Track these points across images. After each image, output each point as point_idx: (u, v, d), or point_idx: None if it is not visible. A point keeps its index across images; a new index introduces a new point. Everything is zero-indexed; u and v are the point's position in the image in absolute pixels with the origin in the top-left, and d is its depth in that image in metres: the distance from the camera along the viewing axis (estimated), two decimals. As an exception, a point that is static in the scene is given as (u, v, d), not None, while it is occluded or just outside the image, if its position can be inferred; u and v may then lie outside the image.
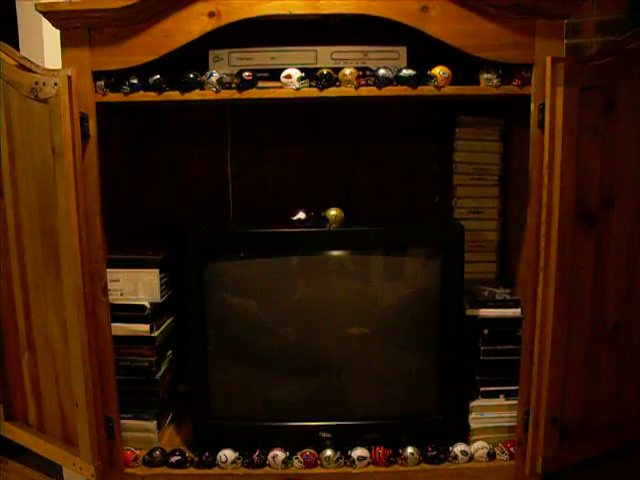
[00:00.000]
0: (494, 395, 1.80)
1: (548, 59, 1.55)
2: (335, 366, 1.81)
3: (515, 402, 1.74)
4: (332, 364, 1.81)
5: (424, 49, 1.58)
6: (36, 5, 1.54)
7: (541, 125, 1.58)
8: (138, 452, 1.77)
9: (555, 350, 1.62)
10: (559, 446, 1.67)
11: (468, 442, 1.79)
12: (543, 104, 1.57)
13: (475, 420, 1.80)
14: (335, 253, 1.79)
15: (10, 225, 1.71)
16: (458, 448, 1.76)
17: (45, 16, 1.55)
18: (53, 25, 1.56)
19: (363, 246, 1.77)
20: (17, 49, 1.72)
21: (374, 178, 2.07)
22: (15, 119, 1.64)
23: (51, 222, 1.60)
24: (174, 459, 1.75)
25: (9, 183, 1.68)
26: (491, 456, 1.76)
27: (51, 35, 1.66)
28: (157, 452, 1.77)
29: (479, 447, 1.76)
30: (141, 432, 1.81)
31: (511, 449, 1.75)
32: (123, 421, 1.74)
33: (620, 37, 1.65)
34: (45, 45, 1.95)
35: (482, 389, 1.80)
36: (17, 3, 2.05)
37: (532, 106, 1.59)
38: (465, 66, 1.62)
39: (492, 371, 1.79)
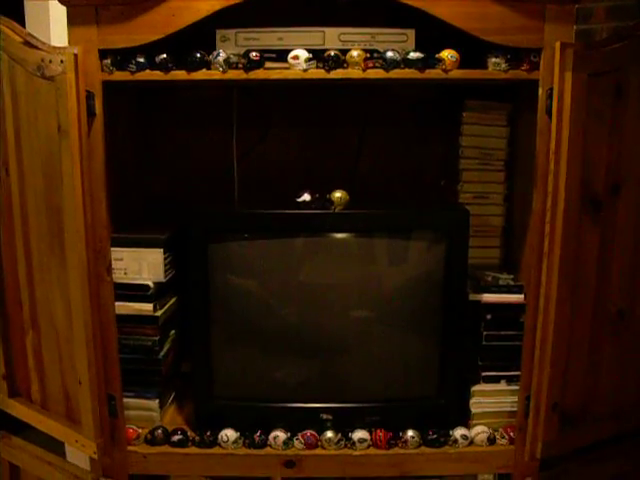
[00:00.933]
0: (496, 380, 1.80)
1: (557, 44, 1.53)
2: (337, 348, 1.82)
3: (516, 387, 1.74)
4: (334, 346, 1.82)
5: (433, 32, 1.57)
6: (43, -18, 1.54)
7: (549, 110, 1.57)
8: (140, 430, 1.78)
9: (557, 336, 1.62)
10: (559, 432, 1.68)
11: (469, 426, 1.80)
12: (551, 89, 1.56)
13: (476, 404, 1.81)
14: (339, 235, 1.79)
15: (15, 203, 1.71)
16: (458, 432, 1.76)
17: (52, -7, 1.54)
18: (60, 2, 1.55)
19: (368, 229, 1.77)
20: (23, 26, 1.71)
21: (380, 161, 2.06)
22: (21, 96, 1.63)
23: (56, 200, 1.60)
24: (176, 438, 1.76)
25: (15, 161, 1.68)
26: (491, 440, 1.76)
27: (57, 12, 1.65)
28: (159, 431, 1.78)
29: (479, 431, 1.77)
30: (143, 411, 1.82)
31: (511, 434, 1.75)
32: (126, 399, 1.75)
33: (631, 23, 1.64)
34: (51, 23, 1.95)
35: (484, 374, 1.80)
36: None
37: (540, 91, 1.58)
38: (474, 50, 1.61)
39: (494, 356, 1.79)
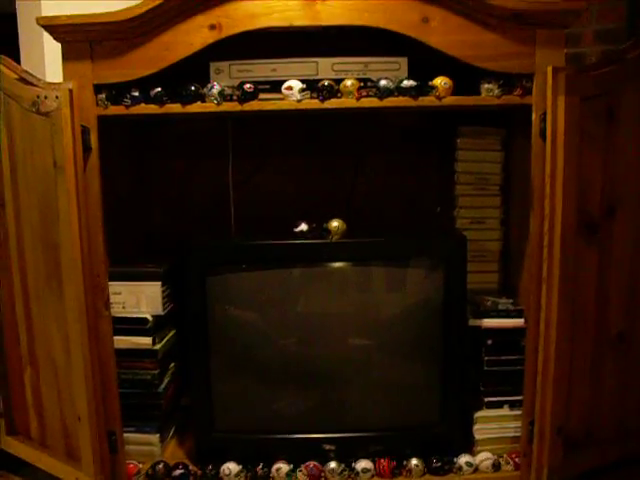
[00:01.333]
0: (498, 405, 1.79)
1: (549, 69, 1.55)
2: (338, 377, 1.81)
3: (520, 412, 1.73)
4: (335, 376, 1.80)
5: (425, 59, 1.58)
6: (37, 19, 1.55)
7: (543, 134, 1.58)
8: (141, 466, 1.77)
9: (559, 360, 1.61)
10: (564, 456, 1.67)
11: (473, 453, 1.78)
12: (544, 113, 1.57)
13: (480, 431, 1.80)
14: (337, 265, 1.79)
15: (12, 238, 1.71)
16: (463, 459, 1.75)
17: (47, 30, 1.55)
18: (54, 39, 1.57)
19: (365, 257, 1.77)
20: (18, 63, 1.72)
21: (376, 189, 2.07)
22: (16, 132, 1.64)
23: (53, 235, 1.60)
24: (177, 472, 1.74)
25: (10, 196, 1.68)
26: (496, 467, 1.75)
27: (52, 49, 1.66)
28: (160, 465, 1.76)
29: (484, 458, 1.75)
30: (144, 445, 1.80)
31: (516, 460, 1.74)
32: (126, 434, 1.73)
33: (619, 46, 1.66)
34: (46, 58, 1.96)
35: (486, 399, 1.79)
36: (18, 17, 2.06)
37: (533, 116, 1.60)
38: (466, 76, 1.62)
39: (496, 381, 1.78)
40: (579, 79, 1.56)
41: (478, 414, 1.80)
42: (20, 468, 1.89)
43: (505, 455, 1.76)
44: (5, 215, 1.71)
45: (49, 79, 1.72)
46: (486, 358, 1.78)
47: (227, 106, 1.61)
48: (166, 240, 1.94)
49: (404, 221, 2.07)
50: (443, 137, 1.96)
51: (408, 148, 2.07)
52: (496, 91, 1.62)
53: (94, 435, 1.63)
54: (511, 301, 1.83)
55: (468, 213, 1.93)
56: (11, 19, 2.07)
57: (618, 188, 1.66)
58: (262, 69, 1.65)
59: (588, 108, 1.58)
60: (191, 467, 1.76)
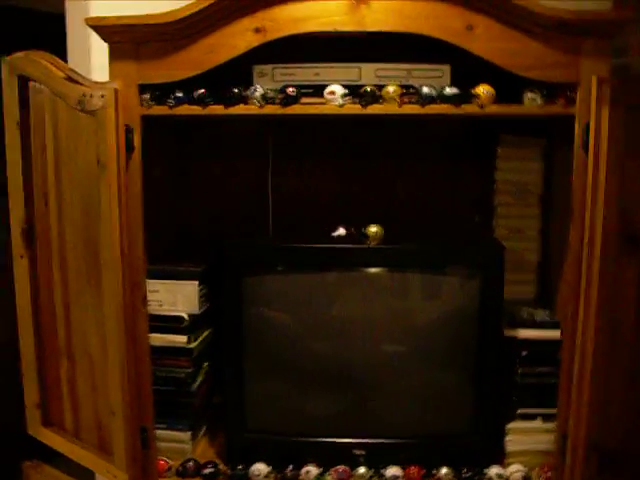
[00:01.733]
0: (531, 418, 1.77)
1: (594, 78, 1.53)
2: (370, 383, 1.81)
3: (553, 425, 1.71)
4: (367, 381, 1.80)
5: (468, 67, 1.58)
6: (86, 19, 1.57)
7: (585, 146, 1.56)
8: (172, 462, 1.78)
9: (595, 373, 1.59)
10: (598, 473, 1.64)
11: (503, 465, 1.77)
12: (587, 124, 1.55)
13: (511, 442, 1.78)
14: (374, 270, 1.79)
15: (54, 234, 1.73)
16: (493, 470, 1.73)
17: (95, 30, 1.58)
18: (102, 39, 1.60)
19: (402, 264, 1.76)
20: (65, 61, 1.75)
21: (415, 195, 2.07)
22: (62, 130, 1.67)
23: (94, 232, 1.62)
24: (207, 471, 1.76)
25: (54, 193, 1.71)
26: (527, 480, 1.74)
27: (98, 49, 1.69)
28: (190, 463, 1.77)
29: (515, 470, 1.74)
30: (175, 443, 1.82)
31: (548, 473, 1.72)
32: (158, 431, 1.75)
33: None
34: (92, 59, 1.99)
35: (519, 411, 1.77)
36: (67, 17, 2.09)
37: (576, 126, 1.58)
38: (509, 84, 1.61)
39: (530, 393, 1.76)
40: (624, 89, 1.54)
41: (510, 425, 1.78)
42: (53, 458, 1.93)
43: (537, 468, 1.74)
44: (48, 211, 1.73)
45: (94, 78, 1.75)
46: (520, 369, 1.76)
47: (269, 109, 1.62)
48: (205, 241, 1.96)
49: (442, 229, 2.05)
50: (483, 146, 1.95)
51: (448, 156, 2.06)
52: (539, 101, 1.60)
53: (127, 430, 1.64)
54: (548, 312, 1.81)
55: (507, 223, 1.92)
56: (59, 19, 2.11)
57: (662, 201, 1.63)
58: (305, 73, 1.66)
59: (633, 119, 1.55)
60: (221, 466, 1.78)
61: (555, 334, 1.74)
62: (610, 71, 1.60)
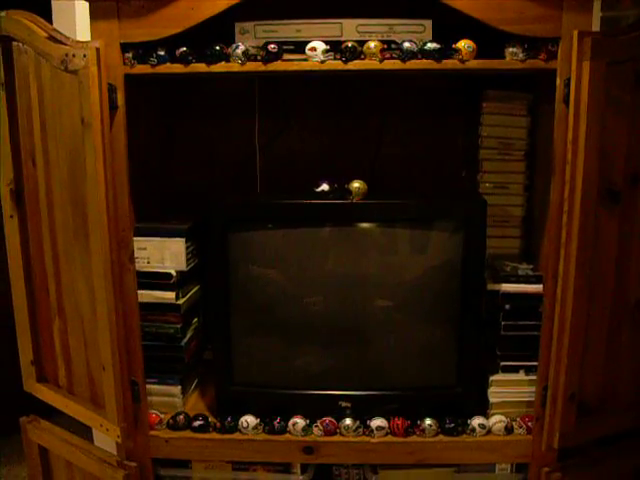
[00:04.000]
0: (514, 370, 1.80)
1: (575, 33, 1.51)
2: (356, 337, 1.83)
3: (535, 377, 1.74)
4: (353, 335, 1.83)
5: (450, 22, 1.57)
6: (66, -22, 1.57)
7: (566, 100, 1.56)
8: (163, 416, 1.83)
9: (575, 327, 1.61)
10: (577, 422, 1.67)
11: (487, 415, 1.80)
12: (569, 79, 1.55)
13: (494, 394, 1.81)
14: (358, 225, 1.80)
15: (42, 194, 1.75)
16: (476, 421, 1.77)
17: (75, -12, 1.58)
18: (83, -3, 1.60)
19: (385, 219, 1.78)
20: (51, 23, 1.75)
21: (400, 151, 2.07)
22: (46, 90, 1.67)
23: (80, 190, 1.64)
24: (197, 423, 1.80)
25: (41, 152, 1.72)
26: (508, 430, 1.77)
27: (83, 9, 1.69)
28: (181, 416, 1.82)
29: (497, 421, 1.77)
30: (166, 397, 1.87)
31: (529, 424, 1.76)
32: (149, 386, 1.80)
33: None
34: (77, 19, 1.99)
35: (502, 364, 1.80)
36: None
37: (558, 80, 1.57)
38: (491, 39, 1.60)
39: (512, 346, 1.79)
40: (606, 43, 1.52)
41: (493, 377, 1.81)
42: (49, 414, 1.97)
43: (518, 419, 1.78)
44: (36, 171, 1.75)
45: (80, 38, 1.75)
46: (503, 323, 1.78)
47: (251, 66, 1.62)
48: (192, 199, 1.97)
49: (428, 184, 2.07)
50: (469, 101, 1.95)
51: (433, 111, 2.06)
52: (520, 55, 1.60)
53: (117, 384, 1.68)
54: (531, 267, 1.82)
55: (492, 178, 1.92)
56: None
57: (643, 156, 1.64)
58: (286, 30, 1.65)
59: (615, 73, 1.54)
60: (211, 419, 1.82)
61: (538, 288, 1.75)
62: (594, 25, 1.59)
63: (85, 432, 2.04)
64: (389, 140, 2.06)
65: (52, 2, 2.08)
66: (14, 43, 1.69)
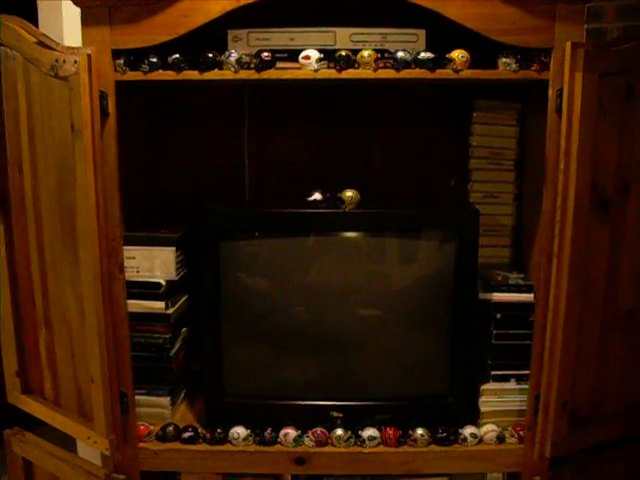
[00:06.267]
0: (505, 379, 1.81)
1: (568, 44, 1.53)
2: (347, 347, 1.83)
3: (526, 386, 1.74)
4: (344, 345, 1.82)
5: (444, 32, 1.57)
6: (57, -17, 1.55)
7: (559, 110, 1.57)
8: (152, 427, 1.80)
9: (567, 336, 1.62)
10: (568, 431, 1.68)
11: (478, 425, 1.80)
12: (561, 89, 1.56)
13: (485, 403, 1.82)
14: (350, 234, 1.79)
15: (29, 202, 1.72)
16: (468, 430, 1.77)
17: (66, -6, 1.56)
18: (74, 3, 1.57)
19: (378, 228, 1.78)
20: (36, 26, 1.72)
21: (391, 160, 2.07)
22: (35, 96, 1.65)
23: (69, 199, 1.62)
24: (186, 435, 1.78)
25: (28, 160, 1.70)
26: (500, 439, 1.77)
27: (70, 13, 1.67)
28: (170, 428, 1.79)
29: (488, 430, 1.78)
30: (155, 408, 1.84)
31: (520, 433, 1.76)
32: (137, 397, 1.77)
33: (641, 22, 1.65)
34: (64, 23, 1.96)
35: (493, 373, 1.81)
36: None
37: (550, 91, 1.59)
38: (484, 50, 1.61)
39: (504, 355, 1.79)
40: (598, 55, 1.54)
41: (484, 387, 1.81)
42: (35, 426, 1.94)
43: (510, 428, 1.78)
44: (22, 178, 1.72)
45: (67, 44, 1.72)
46: (495, 332, 1.79)
47: (244, 74, 1.61)
48: (182, 207, 1.96)
49: (419, 193, 2.07)
50: (460, 110, 1.96)
51: (424, 121, 2.07)
52: (513, 65, 1.61)
53: (106, 396, 1.65)
54: (522, 276, 1.83)
55: (482, 187, 1.93)
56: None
57: (634, 166, 1.64)
58: (280, 38, 1.65)
59: (606, 85, 1.56)
60: (200, 430, 1.80)
61: (529, 297, 1.77)
62: (586, 36, 1.61)
63: (68, 443, 2.00)
64: (380, 149, 2.07)
65: (38, 3, 2.04)
66: (1, 48, 1.67)
